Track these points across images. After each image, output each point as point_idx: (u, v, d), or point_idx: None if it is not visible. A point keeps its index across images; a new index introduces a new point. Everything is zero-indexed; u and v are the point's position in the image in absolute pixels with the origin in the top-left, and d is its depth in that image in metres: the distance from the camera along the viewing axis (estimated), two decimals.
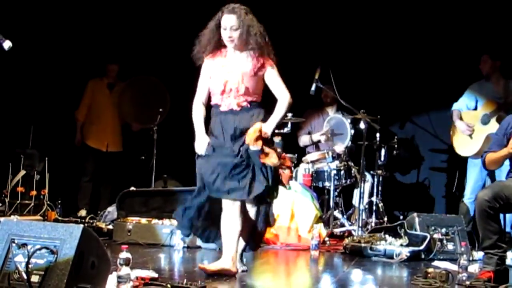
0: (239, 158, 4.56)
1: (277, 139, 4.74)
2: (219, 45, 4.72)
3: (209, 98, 4.81)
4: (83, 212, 7.81)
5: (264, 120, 4.61)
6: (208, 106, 4.80)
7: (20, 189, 7.63)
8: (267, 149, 4.56)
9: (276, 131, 7.18)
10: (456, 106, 7.00)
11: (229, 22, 4.57)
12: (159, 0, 8.39)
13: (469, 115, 6.90)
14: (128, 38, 8.60)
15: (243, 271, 4.60)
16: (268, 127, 4.60)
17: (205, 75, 4.79)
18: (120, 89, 8.24)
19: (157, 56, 8.40)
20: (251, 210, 4.64)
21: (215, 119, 4.72)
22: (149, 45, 8.53)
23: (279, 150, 4.82)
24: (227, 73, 4.66)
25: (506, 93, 6.69)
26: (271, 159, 4.54)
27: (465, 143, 6.90)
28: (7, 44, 4.64)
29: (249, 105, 4.65)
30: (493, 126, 6.54)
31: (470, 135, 6.82)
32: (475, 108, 6.89)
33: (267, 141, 4.61)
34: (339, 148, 7.44)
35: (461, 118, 6.91)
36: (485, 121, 6.68)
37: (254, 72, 4.65)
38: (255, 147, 4.51)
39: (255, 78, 4.67)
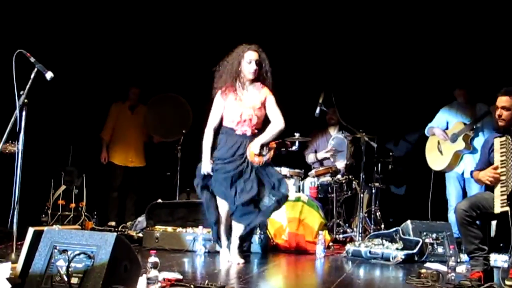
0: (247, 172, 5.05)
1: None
2: (235, 78, 4.92)
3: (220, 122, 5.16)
4: (112, 223, 7.83)
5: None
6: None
7: (61, 202, 7.68)
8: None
9: (287, 148, 7.24)
10: (431, 124, 7.12)
11: (254, 57, 4.94)
12: (177, 27, 8.44)
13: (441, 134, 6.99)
14: (149, 63, 8.62)
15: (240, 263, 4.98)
16: (255, 146, 4.99)
17: (218, 105, 5.09)
18: (143, 109, 8.21)
19: (180, 79, 8.42)
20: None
21: (230, 138, 5.07)
22: (171, 68, 8.57)
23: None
24: (241, 106, 5.00)
25: (473, 115, 6.77)
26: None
27: (436, 159, 7.01)
28: (49, 75, 4.66)
29: (256, 131, 5.08)
30: (460, 144, 6.75)
31: (441, 152, 6.90)
32: (446, 128, 6.96)
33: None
34: (340, 164, 7.46)
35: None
36: (453, 139, 6.76)
37: (261, 104, 5.03)
38: (257, 163, 5.02)
39: (262, 108, 5.06)
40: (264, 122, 5.20)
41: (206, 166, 5.10)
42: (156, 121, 8.14)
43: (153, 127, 8.16)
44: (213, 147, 5.18)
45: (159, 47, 8.61)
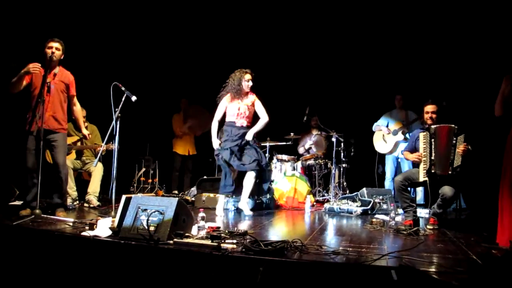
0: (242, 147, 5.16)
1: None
2: (237, 90, 5.18)
3: (224, 117, 5.30)
4: (175, 192, 7.85)
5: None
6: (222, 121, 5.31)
7: (142, 178, 7.73)
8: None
9: (284, 143, 7.18)
10: (377, 123, 7.00)
11: (250, 77, 5.20)
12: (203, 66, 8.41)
13: (386, 130, 6.90)
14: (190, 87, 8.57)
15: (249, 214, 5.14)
16: (248, 135, 5.13)
17: (222, 105, 5.26)
18: (189, 117, 8.19)
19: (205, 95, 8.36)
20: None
21: (231, 128, 5.18)
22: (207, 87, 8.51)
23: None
24: (239, 104, 5.19)
25: (407, 118, 6.71)
26: None
27: (381, 145, 6.90)
28: (133, 98, 4.68)
29: (249, 124, 5.22)
30: (399, 136, 6.69)
31: (385, 140, 6.81)
32: (387, 126, 6.87)
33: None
34: (319, 152, 7.42)
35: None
36: (395, 133, 6.70)
37: (252, 104, 5.21)
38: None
39: (251, 108, 5.21)
40: (254, 120, 5.28)
41: (215, 143, 5.22)
42: (194, 123, 8.13)
43: (194, 127, 8.15)
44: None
45: (195, 77, 8.59)
